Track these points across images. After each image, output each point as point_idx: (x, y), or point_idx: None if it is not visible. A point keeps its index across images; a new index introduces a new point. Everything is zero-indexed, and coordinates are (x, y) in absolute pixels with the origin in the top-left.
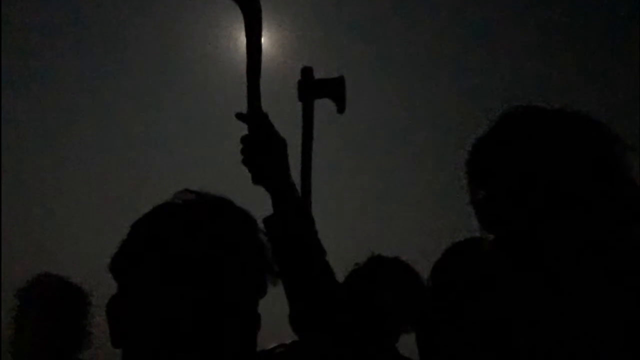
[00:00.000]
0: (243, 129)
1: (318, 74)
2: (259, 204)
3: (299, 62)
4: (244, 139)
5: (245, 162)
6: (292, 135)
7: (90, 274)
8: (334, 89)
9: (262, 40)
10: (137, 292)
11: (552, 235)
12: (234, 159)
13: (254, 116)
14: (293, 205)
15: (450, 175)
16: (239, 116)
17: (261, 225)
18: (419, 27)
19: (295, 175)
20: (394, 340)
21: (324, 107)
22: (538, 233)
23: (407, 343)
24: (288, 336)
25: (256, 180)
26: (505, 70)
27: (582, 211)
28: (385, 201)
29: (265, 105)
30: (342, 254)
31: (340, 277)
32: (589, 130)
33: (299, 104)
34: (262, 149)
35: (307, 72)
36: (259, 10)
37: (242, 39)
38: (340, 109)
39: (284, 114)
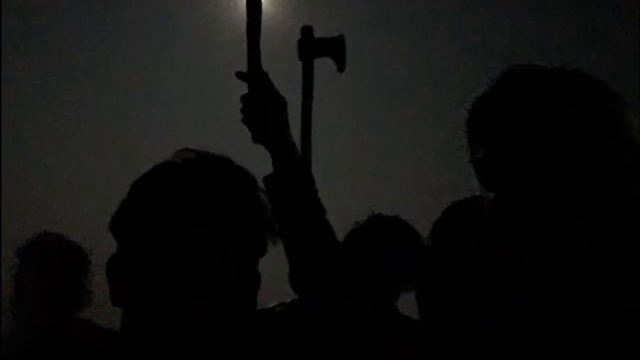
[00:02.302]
0: (243, 88)
1: (318, 33)
2: (259, 162)
3: (299, 20)
4: (244, 98)
5: (245, 121)
6: (292, 94)
7: (90, 232)
8: (334, 48)
9: None
10: (137, 251)
11: (552, 193)
12: (234, 117)
13: (254, 75)
14: (293, 164)
15: (450, 134)
16: (239, 75)
17: (261, 184)
18: None
19: (295, 134)
20: (394, 299)
21: (324, 66)
22: (538, 191)
23: (407, 302)
24: (288, 295)
25: (256, 139)
26: (505, 28)
27: (582, 169)
28: (385, 160)
29: (265, 64)
30: (342, 212)
31: (340, 236)
32: (589, 88)
33: (299, 62)
34: (262, 107)
35: (307, 30)
36: None
37: None
38: (340, 68)
39: (284, 73)
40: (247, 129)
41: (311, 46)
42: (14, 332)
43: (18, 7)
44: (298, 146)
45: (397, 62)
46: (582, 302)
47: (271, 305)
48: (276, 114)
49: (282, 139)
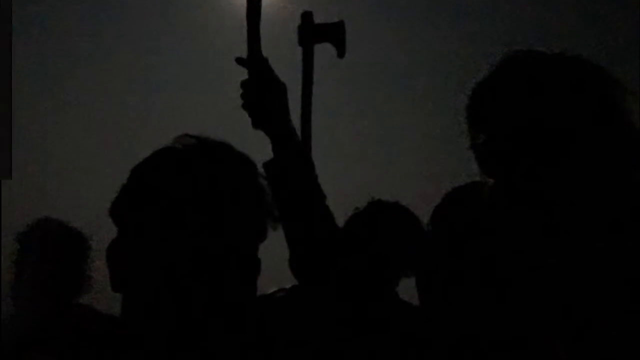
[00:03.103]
0: (243, 74)
1: (318, 19)
2: (258, 148)
3: (299, 6)
4: (244, 84)
5: (245, 106)
6: (292, 80)
7: (91, 218)
8: (334, 34)
9: None
10: (137, 237)
11: (552, 179)
12: (234, 103)
13: (254, 60)
14: (293, 150)
15: (451, 120)
16: (239, 61)
17: (261, 169)
18: None
19: (295, 119)
20: (394, 285)
21: (324, 51)
22: (538, 177)
23: (407, 287)
24: (288, 281)
25: (256, 124)
26: (505, 14)
27: (583, 155)
28: (385, 146)
29: (266, 49)
30: (342, 198)
31: (340, 221)
32: (590, 74)
33: (299, 48)
34: (262, 93)
35: (307, 16)
36: None
37: None
38: (340, 54)
39: (284, 59)
40: (247, 115)
41: (311, 32)
42: (14, 318)
43: None
44: (298, 132)
45: (397, 48)
46: (582, 288)
47: (271, 291)
48: (276, 99)
49: (282, 124)
